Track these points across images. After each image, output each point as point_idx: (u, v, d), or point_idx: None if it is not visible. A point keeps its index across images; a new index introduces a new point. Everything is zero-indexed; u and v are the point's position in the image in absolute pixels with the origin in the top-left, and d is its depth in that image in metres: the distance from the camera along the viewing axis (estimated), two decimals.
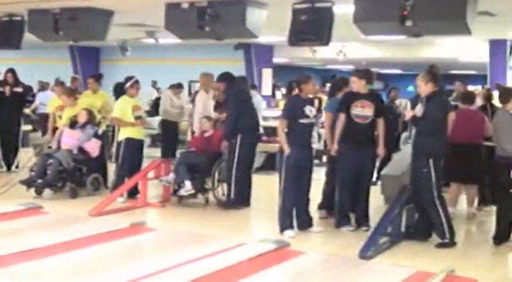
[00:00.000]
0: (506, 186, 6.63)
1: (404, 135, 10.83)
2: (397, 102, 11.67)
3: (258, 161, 11.52)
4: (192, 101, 10.71)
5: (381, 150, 7.26)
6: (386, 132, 7.29)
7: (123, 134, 8.80)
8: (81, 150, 8.94)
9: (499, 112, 6.97)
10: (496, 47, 14.43)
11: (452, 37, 14.49)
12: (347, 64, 16.82)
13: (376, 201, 7.96)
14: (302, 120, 6.95)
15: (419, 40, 14.68)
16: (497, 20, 10.17)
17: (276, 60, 18.51)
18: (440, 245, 6.62)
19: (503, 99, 6.82)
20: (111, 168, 9.29)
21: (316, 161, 8.60)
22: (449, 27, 6.94)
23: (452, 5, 6.50)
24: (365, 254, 6.18)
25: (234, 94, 8.47)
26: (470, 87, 19.66)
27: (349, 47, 16.27)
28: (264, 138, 10.25)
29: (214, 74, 9.21)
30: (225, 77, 8.62)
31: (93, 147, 9.06)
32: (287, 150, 6.87)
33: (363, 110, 7.13)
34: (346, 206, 7.34)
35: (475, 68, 19.32)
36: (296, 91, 7.20)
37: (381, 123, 7.28)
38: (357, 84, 7.23)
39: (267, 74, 17.45)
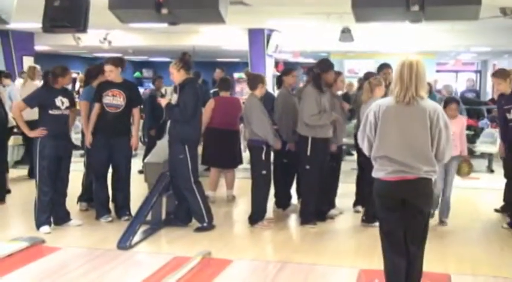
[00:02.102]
0: (260, 168, 6.96)
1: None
2: (163, 90, 11.69)
3: (17, 154, 10.90)
4: None
5: (134, 140, 7.22)
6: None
7: None
8: None
9: (248, 98, 7.26)
10: (255, 35, 15.09)
11: (213, 25, 14.90)
12: (113, 52, 16.46)
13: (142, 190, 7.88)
14: (52, 111, 6.64)
15: (183, 28, 14.89)
16: (254, 10, 10.61)
17: (39, 48, 17.58)
18: (199, 229, 6.76)
19: (251, 85, 7.10)
20: None
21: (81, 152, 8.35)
22: (203, 15, 6.97)
23: None
24: (124, 244, 6.09)
25: None
26: (236, 74, 20.54)
27: (114, 35, 15.96)
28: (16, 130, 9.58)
29: None
30: None
31: None
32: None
33: (114, 99, 7.01)
34: (103, 197, 7.21)
35: (238, 55, 20.04)
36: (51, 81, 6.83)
37: (136, 113, 7.24)
38: (114, 73, 7.07)
39: (28, 62, 16.47)
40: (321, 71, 6.96)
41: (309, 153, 6.88)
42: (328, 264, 5.73)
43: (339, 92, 8.16)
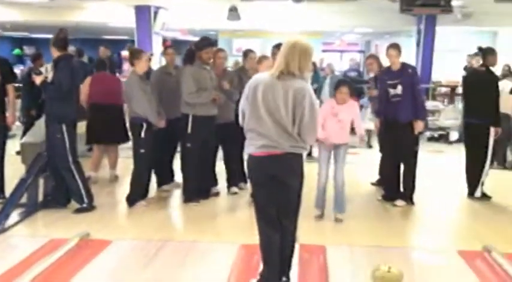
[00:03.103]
0: (138, 146, 6.85)
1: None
2: (43, 68, 11.22)
3: None
4: None
5: (10, 119, 6.92)
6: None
7: None
8: None
9: (129, 75, 7.11)
10: (141, 12, 14.82)
11: (98, 1, 14.50)
12: None
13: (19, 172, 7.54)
14: None
15: (66, 3, 14.40)
16: None
17: None
18: (78, 211, 6.58)
19: (130, 61, 6.93)
20: None
21: None
22: None
23: None
24: None
25: None
26: (123, 52, 20.04)
27: None
28: None
29: None
30: None
31: None
32: None
33: None
34: None
35: (125, 33, 19.62)
36: None
37: (10, 90, 6.93)
38: None
39: None
40: (196, 48, 6.93)
41: (189, 130, 6.85)
42: (209, 241, 5.74)
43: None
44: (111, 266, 5.08)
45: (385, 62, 7.57)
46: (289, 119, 3.99)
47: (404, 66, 7.12)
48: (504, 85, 9.04)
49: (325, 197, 6.61)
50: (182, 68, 7.23)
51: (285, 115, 3.99)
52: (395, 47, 7.10)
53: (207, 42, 7.06)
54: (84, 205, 6.62)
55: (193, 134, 6.86)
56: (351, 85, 6.78)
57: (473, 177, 7.61)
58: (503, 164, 9.50)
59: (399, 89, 6.99)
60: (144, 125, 6.78)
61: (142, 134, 6.79)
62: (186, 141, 6.92)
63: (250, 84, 4.17)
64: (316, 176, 6.49)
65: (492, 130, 7.42)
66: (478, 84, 7.64)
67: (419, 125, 6.98)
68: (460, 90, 14.15)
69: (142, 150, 6.84)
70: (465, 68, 14.38)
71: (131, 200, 6.94)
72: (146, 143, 6.85)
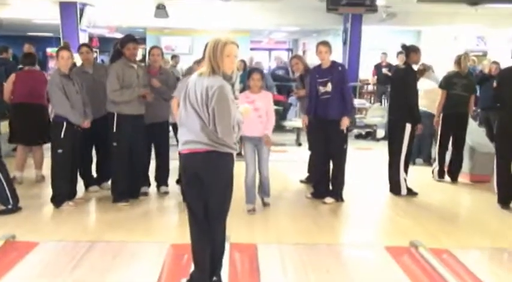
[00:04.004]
0: (56, 146, 6.68)
1: None
2: None
3: None
4: None
5: None
6: None
7: None
8: None
9: (52, 73, 6.94)
10: (66, 8, 14.49)
11: None
12: None
13: None
14: None
15: None
16: None
17: None
18: (3, 212, 6.38)
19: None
20: None
21: None
22: None
23: None
24: None
25: None
26: (49, 50, 19.61)
27: None
28: None
29: None
30: None
31: None
32: None
33: None
34: None
35: (51, 30, 19.15)
36: None
37: None
38: None
39: None
40: (120, 46, 6.86)
41: (114, 129, 6.75)
42: (138, 241, 5.67)
43: None
44: (38, 269, 4.92)
45: (312, 61, 7.64)
46: (205, 116, 3.98)
47: (335, 64, 7.19)
48: (423, 83, 9.30)
49: (254, 191, 6.75)
50: (108, 66, 7.11)
51: (202, 112, 4.00)
52: (325, 43, 7.16)
53: (128, 38, 6.96)
54: (10, 206, 6.42)
55: (119, 133, 6.75)
56: (263, 74, 6.93)
57: (392, 174, 7.78)
58: (428, 161, 9.78)
59: (329, 87, 7.07)
60: (64, 125, 6.60)
61: (62, 134, 6.61)
62: (112, 141, 6.81)
63: (188, 81, 4.19)
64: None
65: (408, 126, 7.58)
66: (398, 81, 7.86)
67: (345, 121, 7.06)
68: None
69: (60, 150, 6.64)
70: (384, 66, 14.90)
71: (57, 201, 6.77)
72: (65, 143, 6.65)
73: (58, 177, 6.74)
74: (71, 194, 6.95)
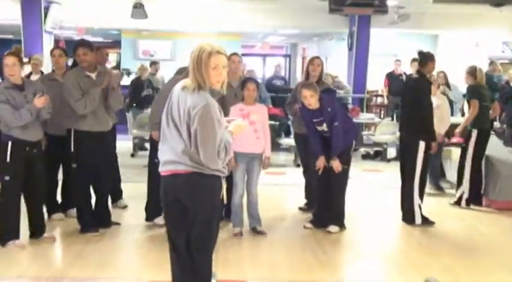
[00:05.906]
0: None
1: None
2: None
3: None
4: None
5: None
6: None
7: None
8: None
9: None
10: (28, 7, 14.43)
11: None
12: None
13: None
14: None
15: None
16: None
17: None
18: None
19: None
20: None
21: None
22: None
23: None
24: None
25: None
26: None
27: None
28: None
29: None
30: None
31: None
32: None
33: None
34: None
35: (11, 31, 19.18)
36: None
37: None
38: None
39: None
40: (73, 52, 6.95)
41: (72, 148, 6.74)
42: (109, 278, 5.65)
43: None
44: None
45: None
46: (186, 136, 3.90)
47: (323, 105, 7.07)
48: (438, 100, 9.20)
49: (242, 213, 6.90)
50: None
51: (183, 131, 3.92)
52: (309, 86, 7.10)
53: (78, 43, 7.00)
54: None
55: (78, 153, 6.74)
56: (258, 84, 7.07)
57: (405, 199, 7.76)
58: (437, 185, 9.75)
59: (325, 126, 7.14)
60: (9, 145, 6.27)
61: (8, 158, 6.29)
62: (71, 162, 6.80)
63: (171, 92, 4.12)
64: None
65: (422, 145, 7.58)
66: (411, 93, 7.90)
67: (335, 164, 7.07)
68: None
69: (7, 178, 6.29)
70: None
71: (2, 238, 6.41)
72: (13, 167, 6.31)
73: (5, 210, 6.39)
74: (38, 231, 6.68)
